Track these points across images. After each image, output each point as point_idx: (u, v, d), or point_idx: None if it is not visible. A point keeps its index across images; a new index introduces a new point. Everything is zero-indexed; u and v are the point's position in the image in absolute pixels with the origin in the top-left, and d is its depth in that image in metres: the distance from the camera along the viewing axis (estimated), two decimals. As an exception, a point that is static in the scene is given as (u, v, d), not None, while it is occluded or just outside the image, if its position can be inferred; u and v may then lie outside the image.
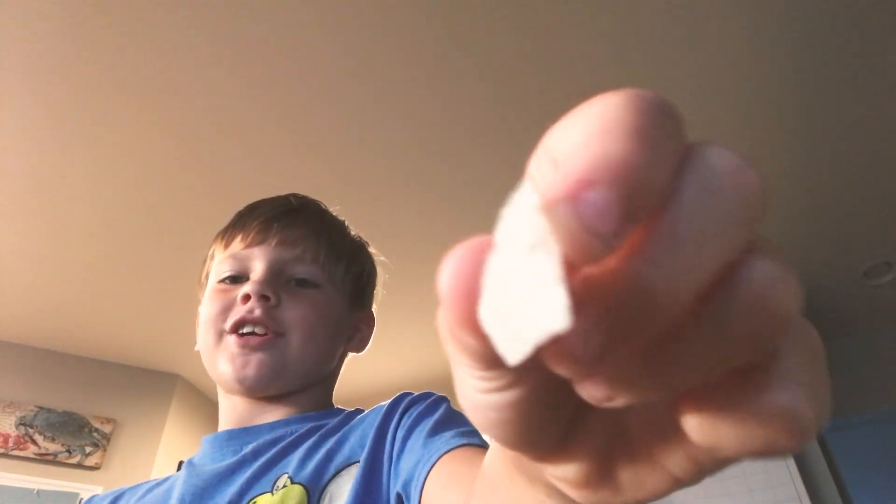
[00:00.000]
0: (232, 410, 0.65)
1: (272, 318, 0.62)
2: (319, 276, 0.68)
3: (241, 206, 0.80)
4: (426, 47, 1.86)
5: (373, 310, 0.80)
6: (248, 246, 0.67)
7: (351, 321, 0.73)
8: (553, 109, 2.06)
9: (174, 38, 1.81)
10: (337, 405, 0.75)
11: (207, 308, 0.66)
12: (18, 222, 2.38)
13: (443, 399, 0.59)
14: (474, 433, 0.48)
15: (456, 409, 0.48)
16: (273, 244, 0.67)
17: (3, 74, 1.87)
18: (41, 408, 3.03)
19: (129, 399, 3.19)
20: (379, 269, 0.83)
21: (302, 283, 0.67)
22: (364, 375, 3.31)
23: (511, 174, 2.24)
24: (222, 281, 0.66)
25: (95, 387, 3.19)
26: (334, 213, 0.79)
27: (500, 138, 2.14)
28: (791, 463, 2.25)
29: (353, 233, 0.79)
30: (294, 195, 0.79)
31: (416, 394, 0.61)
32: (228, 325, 0.62)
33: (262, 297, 0.62)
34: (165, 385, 3.25)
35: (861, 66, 1.98)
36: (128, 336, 3.02)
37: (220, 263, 0.68)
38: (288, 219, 0.70)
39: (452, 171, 2.26)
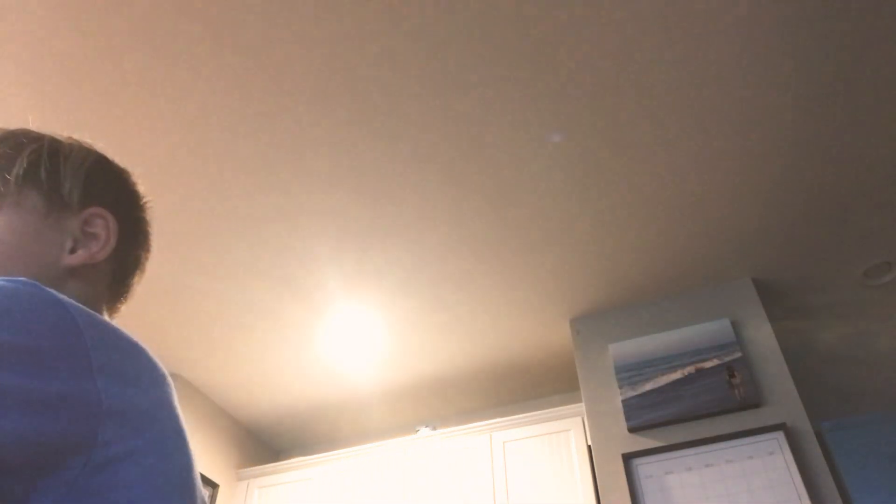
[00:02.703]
0: None
1: None
2: None
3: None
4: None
5: (104, 203, 0.65)
6: None
7: (61, 230, 0.61)
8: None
9: (174, 37, 1.81)
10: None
11: None
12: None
13: None
14: None
15: None
16: None
17: (2, 74, 1.87)
18: (41, 408, 3.02)
19: (129, 399, 3.18)
20: (83, 150, 0.68)
21: None
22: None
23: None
24: None
25: (95, 387, 3.18)
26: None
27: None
28: (791, 463, 2.25)
29: (0, 131, 0.65)
30: None
31: None
32: None
33: None
34: (165, 385, 3.25)
35: (861, 66, 1.98)
36: (128, 336, 3.02)
37: None
38: None
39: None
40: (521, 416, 2.97)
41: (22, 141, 0.63)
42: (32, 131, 0.65)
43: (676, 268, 2.73)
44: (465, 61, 1.91)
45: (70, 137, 0.67)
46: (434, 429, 3.23)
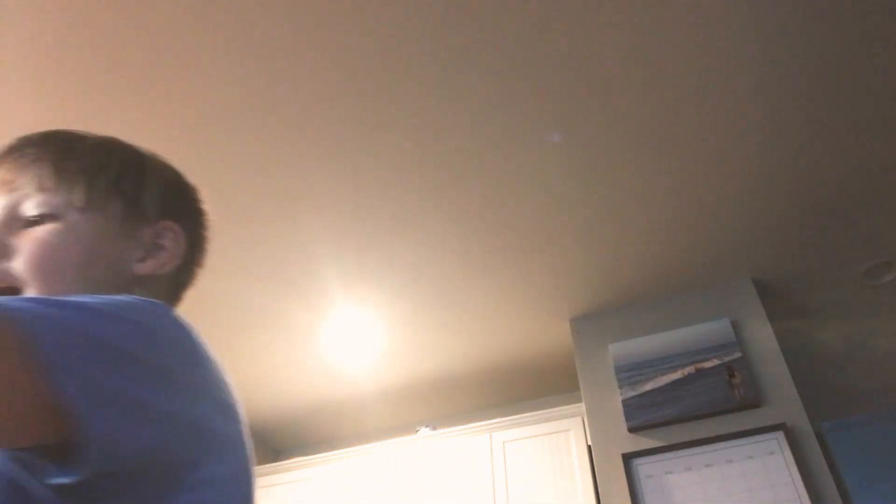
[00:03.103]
0: None
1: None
2: (55, 205, 0.59)
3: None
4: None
5: (176, 217, 0.68)
6: None
7: (136, 239, 0.63)
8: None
9: (175, 39, 1.81)
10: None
11: None
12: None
13: None
14: None
15: None
16: None
17: (3, 72, 1.87)
18: (41, 408, 3.02)
19: (129, 399, 3.18)
20: (163, 165, 0.71)
21: (37, 220, 0.59)
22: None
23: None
24: None
25: (95, 387, 3.18)
26: (78, 132, 0.67)
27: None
28: (791, 463, 2.25)
29: (93, 137, 0.66)
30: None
31: None
32: None
33: None
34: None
35: (861, 66, 1.98)
36: (128, 336, 3.02)
37: None
38: (6, 158, 0.62)
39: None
40: (521, 416, 2.97)
41: (112, 150, 0.66)
42: (120, 141, 0.68)
43: (676, 268, 2.73)
44: (465, 61, 1.91)
45: (150, 151, 0.70)
46: (434, 429, 3.23)
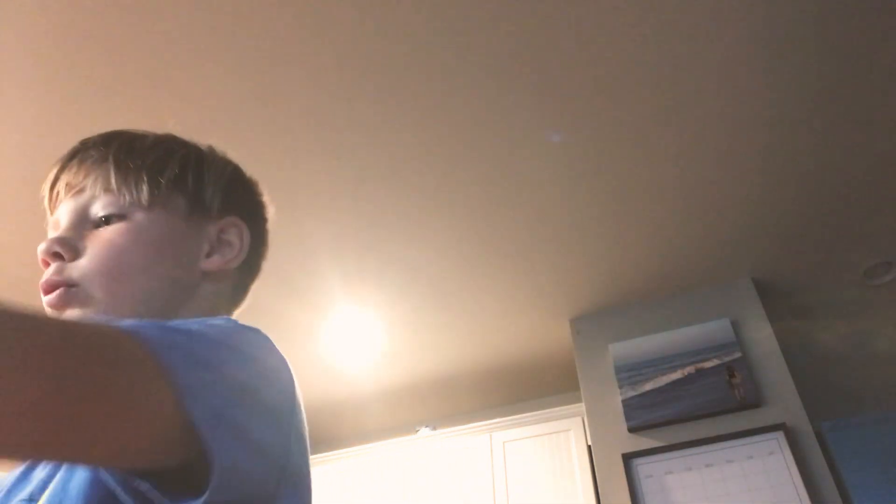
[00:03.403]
0: None
1: (63, 272, 0.57)
2: (121, 205, 0.60)
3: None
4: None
5: (239, 212, 0.69)
6: (53, 210, 0.63)
7: (201, 235, 0.64)
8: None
9: (176, 38, 1.81)
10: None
11: None
12: (17, 220, 2.38)
13: None
14: None
15: None
16: (66, 196, 0.61)
17: (3, 73, 1.87)
18: (41, 408, 3.02)
19: (129, 399, 3.18)
20: (223, 160, 0.71)
21: (106, 220, 0.60)
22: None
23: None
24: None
25: (95, 387, 3.17)
26: (139, 131, 0.67)
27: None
28: (791, 463, 2.25)
29: (152, 135, 0.67)
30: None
31: None
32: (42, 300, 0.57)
33: (54, 256, 0.58)
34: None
35: (861, 67, 1.98)
36: (128, 336, 3.02)
37: None
38: (71, 162, 0.63)
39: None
40: (521, 416, 2.97)
41: (172, 147, 0.66)
42: (180, 138, 0.68)
43: (676, 268, 2.73)
44: (464, 60, 1.91)
45: (210, 146, 0.70)
46: (434, 429, 3.23)
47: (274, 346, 0.52)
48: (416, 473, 2.96)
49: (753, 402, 2.43)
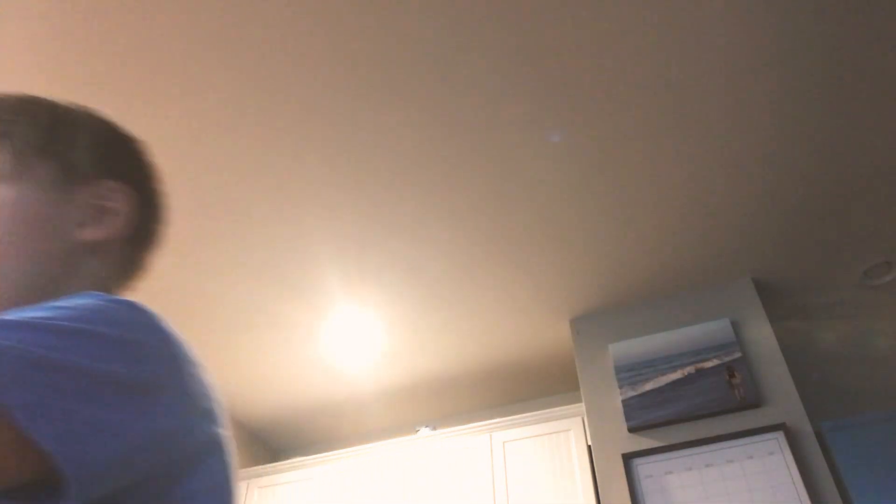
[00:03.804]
0: None
1: None
2: None
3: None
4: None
5: (119, 176, 0.62)
6: None
7: (71, 203, 0.57)
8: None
9: (174, 37, 1.81)
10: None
11: None
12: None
13: None
14: None
15: None
16: None
17: (3, 72, 1.87)
18: (41, 408, 3.02)
19: (128, 399, 3.18)
20: (95, 119, 0.64)
21: None
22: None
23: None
24: None
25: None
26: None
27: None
28: (791, 463, 2.25)
29: (12, 97, 0.60)
30: None
31: None
32: None
33: None
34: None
35: (862, 66, 1.98)
36: (128, 336, 3.02)
37: None
38: None
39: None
40: (521, 416, 2.97)
41: (30, 108, 0.60)
42: (40, 98, 0.61)
43: (676, 268, 2.73)
44: (466, 60, 1.91)
45: (82, 106, 0.63)
46: (434, 429, 3.23)
47: (150, 318, 0.47)
48: (416, 473, 2.96)
49: (753, 402, 2.43)
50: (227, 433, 0.53)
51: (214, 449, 0.50)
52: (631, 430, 2.54)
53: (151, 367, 0.45)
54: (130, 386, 0.42)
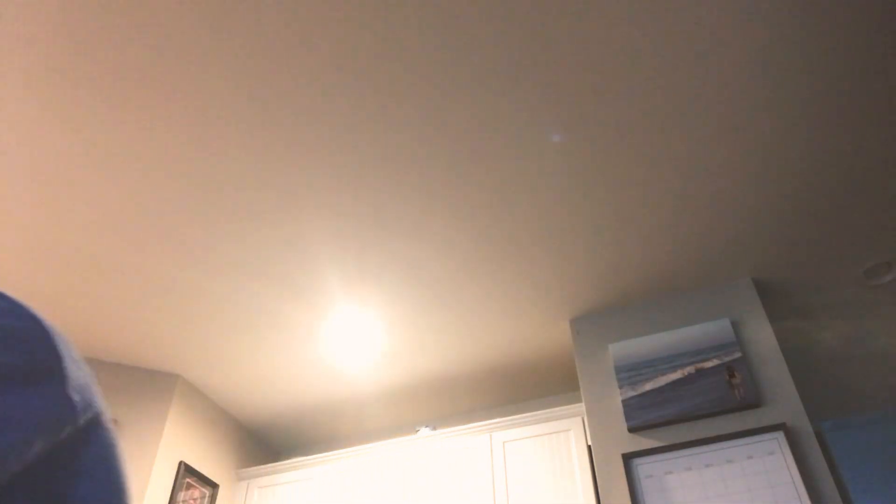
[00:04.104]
0: None
1: None
2: None
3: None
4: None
5: None
6: None
7: None
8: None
9: (174, 36, 1.81)
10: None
11: None
12: (17, 219, 2.38)
13: None
14: None
15: None
16: None
17: (3, 72, 1.87)
18: (41, 408, 3.02)
19: (128, 399, 3.19)
20: None
21: None
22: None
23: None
24: None
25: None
26: None
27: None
28: (791, 463, 2.25)
29: None
30: None
31: None
32: None
33: None
34: (165, 385, 3.26)
35: (862, 65, 1.98)
36: (128, 336, 3.02)
37: None
38: None
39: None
40: (521, 416, 2.97)
41: None
42: None
43: (676, 268, 2.73)
44: (466, 60, 1.91)
45: None
46: (434, 429, 3.23)
47: (11, 303, 0.44)
48: (416, 473, 2.96)
49: (753, 402, 2.43)
50: (104, 405, 0.52)
51: (97, 422, 0.49)
52: (631, 430, 2.54)
53: (28, 352, 0.43)
54: (9, 374, 0.41)
